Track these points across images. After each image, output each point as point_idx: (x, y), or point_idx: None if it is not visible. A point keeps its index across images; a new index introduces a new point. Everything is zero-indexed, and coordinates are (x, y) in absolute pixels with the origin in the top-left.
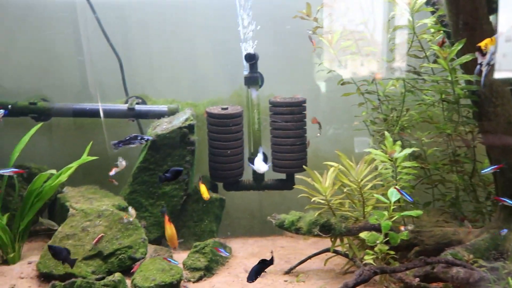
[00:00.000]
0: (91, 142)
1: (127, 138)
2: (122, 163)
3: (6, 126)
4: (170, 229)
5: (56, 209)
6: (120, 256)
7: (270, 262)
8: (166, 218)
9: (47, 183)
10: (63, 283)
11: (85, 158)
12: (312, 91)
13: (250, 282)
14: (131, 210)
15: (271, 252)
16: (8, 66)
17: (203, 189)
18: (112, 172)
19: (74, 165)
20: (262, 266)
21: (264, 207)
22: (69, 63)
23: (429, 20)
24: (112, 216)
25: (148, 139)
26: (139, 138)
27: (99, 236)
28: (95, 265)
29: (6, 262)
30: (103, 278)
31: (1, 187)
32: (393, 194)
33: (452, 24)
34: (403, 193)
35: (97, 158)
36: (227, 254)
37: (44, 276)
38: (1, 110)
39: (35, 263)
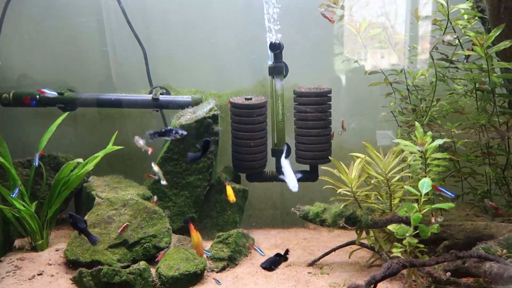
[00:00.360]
0: (116, 132)
1: (163, 130)
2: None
3: (34, 116)
4: (196, 237)
5: (82, 198)
6: (144, 245)
7: (284, 257)
8: (191, 226)
9: (74, 172)
10: (90, 270)
11: (111, 147)
12: (337, 82)
13: (263, 267)
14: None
15: (287, 252)
16: (36, 57)
17: (229, 191)
18: (156, 176)
19: (100, 154)
20: (277, 259)
21: (286, 199)
22: (94, 53)
23: (465, 5)
24: (137, 206)
25: (182, 134)
26: (173, 132)
27: (124, 225)
28: (121, 253)
29: (34, 249)
30: (128, 266)
31: (30, 175)
32: (424, 186)
33: (491, 9)
34: (443, 189)
35: (122, 147)
36: (263, 254)
37: (71, 263)
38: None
39: (62, 250)
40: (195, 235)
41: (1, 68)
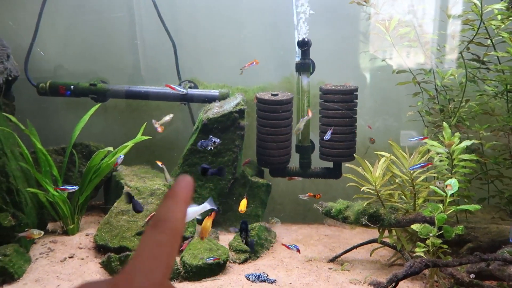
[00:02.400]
0: (145, 123)
1: (209, 140)
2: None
3: (68, 106)
4: (208, 222)
5: (111, 186)
6: None
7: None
8: (214, 214)
9: (104, 160)
10: (118, 255)
11: (140, 137)
12: (363, 80)
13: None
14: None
15: None
16: (70, 49)
17: (243, 204)
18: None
19: (130, 143)
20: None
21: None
22: (124, 46)
23: (499, 6)
24: (163, 195)
25: (216, 142)
26: (212, 141)
27: (151, 215)
28: None
29: (66, 233)
30: None
31: (63, 163)
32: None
33: None
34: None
35: (150, 137)
36: (295, 247)
37: (100, 248)
38: None
39: (92, 235)
40: (209, 221)
41: (39, 59)
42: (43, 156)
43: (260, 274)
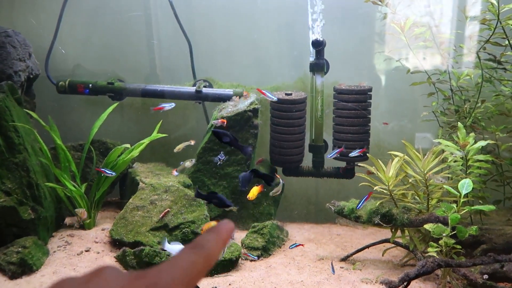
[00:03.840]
0: (161, 121)
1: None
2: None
3: (86, 104)
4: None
5: (127, 182)
6: (183, 230)
7: (265, 176)
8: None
9: (121, 157)
10: (132, 250)
11: (156, 135)
12: (377, 80)
13: (244, 190)
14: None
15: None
16: (88, 48)
17: (255, 191)
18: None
19: (146, 141)
20: (253, 174)
21: (321, 195)
22: (140, 46)
23: None
24: (177, 192)
25: (222, 158)
26: (221, 157)
27: (165, 211)
28: (161, 236)
29: (82, 227)
30: None
31: (81, 159)
32: (464, 187)
33: None
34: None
35: (166, 135)
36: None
37: (115, 242)
38: None
39: (107, 230)
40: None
41: (59, 58)
42: (62, 152)
43: None
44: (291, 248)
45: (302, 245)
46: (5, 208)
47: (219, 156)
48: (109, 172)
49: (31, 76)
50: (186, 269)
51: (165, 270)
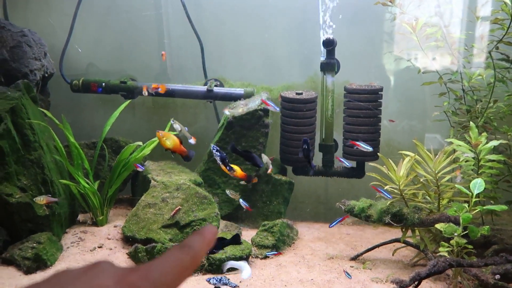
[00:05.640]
0: (172, 119)
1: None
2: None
3: (99, 102)
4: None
5: (139, 180)
6: (195, 227)
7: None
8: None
9: (133, 155)
10: (145, 247)
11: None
12: (387, 80)
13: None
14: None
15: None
16: (101, 48)
17: (238, 169)
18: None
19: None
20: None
21: (330, 194)
22: (152, 45)
23: None
24: (189, 190)
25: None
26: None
27: (177, 208)
28: (172, 233)
29: (95, 224)
30: None
31: (94, 156)
32: (476, 186)
33: None
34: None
35: (177, 133)
36: (350, 276)
37: (127, 239)
38: None
39: (120, 227)
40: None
41: (72, 57)
42: (76, 150)
43: (222, 277)
44: (268, 255)
45: (280, 253)
46: (20, 204)
47: (219, 154)
48: (141, 167)
49: (46, 75)
50: (174, 265)
51: (155, 265)
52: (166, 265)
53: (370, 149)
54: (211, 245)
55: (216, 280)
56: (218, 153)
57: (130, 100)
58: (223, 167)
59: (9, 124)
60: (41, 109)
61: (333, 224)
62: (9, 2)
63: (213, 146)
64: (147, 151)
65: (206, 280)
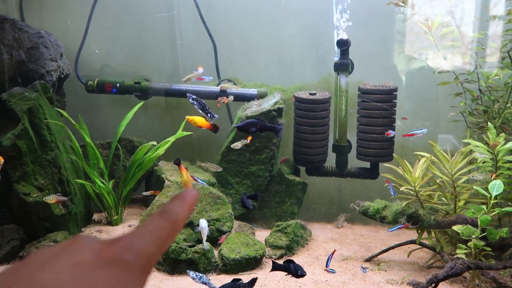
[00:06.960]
0: (185, 120)
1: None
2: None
3: (113, 103)
4: (186, 175)
5: (152, 180)
6: (208, 228)
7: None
8: (181, 167)
9: (147, 155)
10: None
11: (181, 133)
12: (401, 80)
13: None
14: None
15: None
16: (115, 48)
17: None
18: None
19: (171, 139)
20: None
21: (344, 195)
22: (165, 46)
23: None
24: (202, 190)
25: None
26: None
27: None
28: (187, 233)
29: (110, 223)
30: (193, 245)
31: (109, 156)
32: (495, 188)
33: None
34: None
35: (191, 133)
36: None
37: None
38: None
39: (134, 226)
40: (185, 173)
41: (87, 58)
42: (91, 150)
43: (202, 275)
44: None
45: (272, 258)
46: (37, 203)
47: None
48: (201, 181)
49: (62, 76)
50: (157, 233)
51: (137, 235)
52: (148, 234)
53: (425, 130)
54: (192, 209)
55: (196, 276)
56: (195, 102)
57: (143, 101)
58: (204, 114)
59: (26, 124)
60: (57, 109)
61: (393, 229)
62: (24, 3)
63: (189, 96)
64: (161, 151)
65: (188, 272)
